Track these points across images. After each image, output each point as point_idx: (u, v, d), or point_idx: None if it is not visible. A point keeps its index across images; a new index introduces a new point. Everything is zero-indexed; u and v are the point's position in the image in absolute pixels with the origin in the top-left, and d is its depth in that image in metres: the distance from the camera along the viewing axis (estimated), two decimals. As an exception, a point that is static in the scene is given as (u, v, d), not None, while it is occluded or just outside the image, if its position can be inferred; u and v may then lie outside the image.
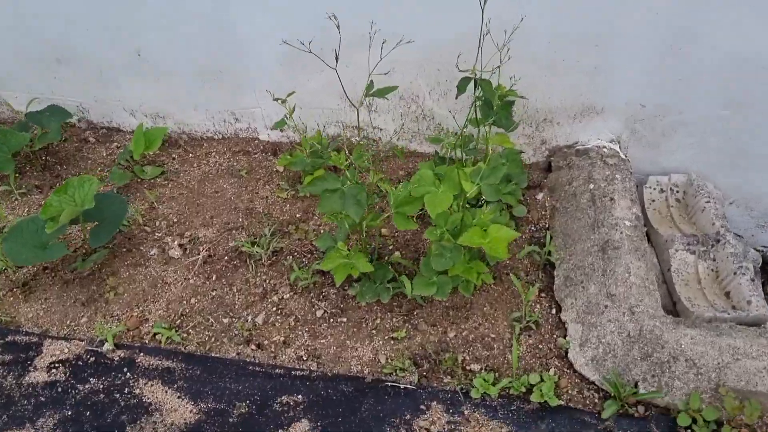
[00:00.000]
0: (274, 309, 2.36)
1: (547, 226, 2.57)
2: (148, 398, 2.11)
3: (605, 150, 2.67)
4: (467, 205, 2.14)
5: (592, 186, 2.54)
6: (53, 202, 2.29)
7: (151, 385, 2.15)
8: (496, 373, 2.13)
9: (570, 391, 2.08)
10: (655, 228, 2.57)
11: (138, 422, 2.04)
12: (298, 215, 2.70)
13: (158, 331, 2.28)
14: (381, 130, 2.85)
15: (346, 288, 2.37)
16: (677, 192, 2.68)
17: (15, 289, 2.46)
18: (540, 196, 2.68)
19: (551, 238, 2.48)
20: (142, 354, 2.24)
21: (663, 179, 2.70)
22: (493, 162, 2.07)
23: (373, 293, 2.19)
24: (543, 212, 2.62)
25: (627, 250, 2.25)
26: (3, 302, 2.42)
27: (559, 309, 2.29)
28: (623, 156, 2.66)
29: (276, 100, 2.45)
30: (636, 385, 2.00)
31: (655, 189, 2.70)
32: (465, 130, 2.39)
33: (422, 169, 2.05)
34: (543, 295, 2.35)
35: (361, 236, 2.24)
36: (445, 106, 2.69)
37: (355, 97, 2.62)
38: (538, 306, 2.32)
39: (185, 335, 2.30)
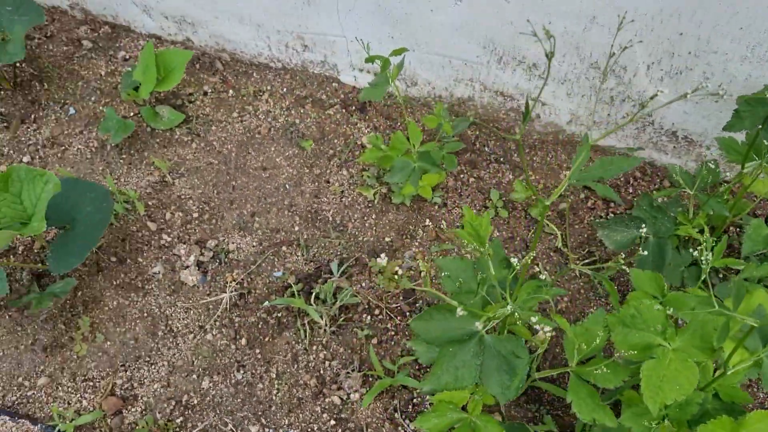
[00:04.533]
0: (332, 421, 1.45)
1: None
2: None
3: None
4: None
5: None
6: (-19, 209, 1.35)
7: None
8: None
9: None
10: None
11: None
12: (388, 238, 1.67)
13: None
14: (545, 105, 1.68)
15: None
16: None
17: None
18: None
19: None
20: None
21: None
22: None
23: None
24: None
25: None
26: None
27: None
28: None
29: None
30: None
31: None
32: (716, 162, 1.27)
33: (637, 293, 0.99)
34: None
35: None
36: (674, 89, 1.50)
37: (510, 48, 1.48)
38: None
39: (187, 449, 1.44)
